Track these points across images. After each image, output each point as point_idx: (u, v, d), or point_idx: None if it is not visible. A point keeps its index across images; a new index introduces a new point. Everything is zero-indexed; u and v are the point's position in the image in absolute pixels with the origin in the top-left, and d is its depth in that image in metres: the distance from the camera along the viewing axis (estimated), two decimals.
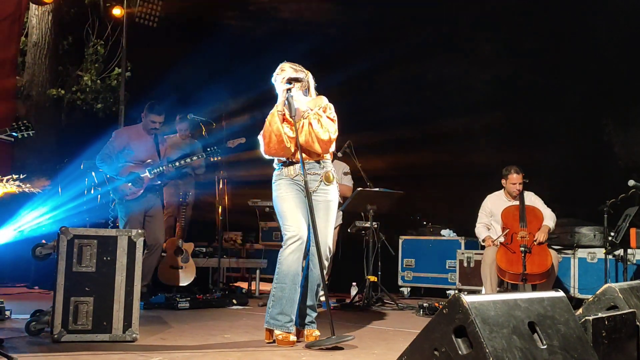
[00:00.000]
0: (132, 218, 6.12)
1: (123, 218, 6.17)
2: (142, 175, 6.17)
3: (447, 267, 7.90)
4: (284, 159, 4.14)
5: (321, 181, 4.15)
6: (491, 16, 8.43)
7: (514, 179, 6.25)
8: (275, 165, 4.24)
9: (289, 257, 3.99)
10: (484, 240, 6.34)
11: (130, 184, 6.14)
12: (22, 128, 4.18)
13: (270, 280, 8.63)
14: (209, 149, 6.44)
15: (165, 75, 9.82)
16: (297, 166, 4.08)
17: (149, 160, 6.23)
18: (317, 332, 4.11)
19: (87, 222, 7.27)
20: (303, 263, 4.13)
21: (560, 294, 2.66)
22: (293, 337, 3.98)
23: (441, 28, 8.62)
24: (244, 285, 8.07)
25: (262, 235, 9.16)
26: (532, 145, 8.03)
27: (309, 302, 4.16)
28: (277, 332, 3.98)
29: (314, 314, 4.17)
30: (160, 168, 6.21)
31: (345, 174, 6.82)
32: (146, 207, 6.26)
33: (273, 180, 4.21)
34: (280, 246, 4.08)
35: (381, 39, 8.70)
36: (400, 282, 8.22)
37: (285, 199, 4.10)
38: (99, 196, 7.20)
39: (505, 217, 6.07)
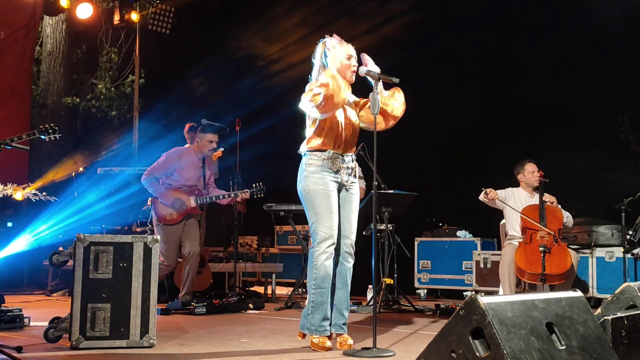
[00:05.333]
0: (171, 241, 6.15)
1: (163, 242, 6.04)
2: (185, 203, 6.18)
3: (463, 268, 7.87)
4: (325, 149, 3.96)
5: (353, 175, 4.10)
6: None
7: (533, 167, 6.18)
8: (309, 153, 3.99)
9: (326, 262, 3.91)
10: (485, 192, 6.02)
11: (172, 210, 6.16)
12: (50, 131, 4.30)
13: (286, 285, 8.65)
14: (254, 186, 6.38)
15: (178, 81, 9.89)
16: (340, 160, 3.99)
17: (192, 185, 6.26)
18: (351, 341, 3.96)
19: (104, 228, 7.31)
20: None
21: (578, 293, 2.64)
22: (329, 343, 3.91)
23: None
24: (260, 289, 8.07)
25: (278, 240, 9.19)
26: (548, 143, 7.97)
27: (345, 302, 4.04)
28: (314, 335, 3.90)
29: (347, 315, 4.06)
30: (205, 199, 6.25)
31: (360, 177, 6.83)
32: (184, 226, 6.27)
33: (310, 170, 3.95)
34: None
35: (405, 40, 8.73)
36: (416, 284, 8.19)
37: (326, 195, 3.92)
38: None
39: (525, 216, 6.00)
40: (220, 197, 6.34)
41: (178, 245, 6.24)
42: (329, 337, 3.99)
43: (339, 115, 4.00)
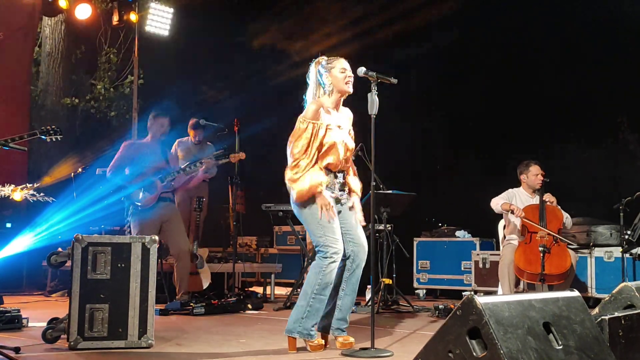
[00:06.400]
0: (145, 227, 6.08)
1: (136, 227, 6.15)
2: (154, 180, 6.18)
3: (462, 268, 7.87)
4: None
5: (347, 190, 4.15)
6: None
7: (537, 170, 6.15)
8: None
9: (333, 272, 3.94)
10: (504, 206, 5.97)
11: (142, 191, 6.15)
12: (52, 132, 4.32)
13: (286, 285, 8.64)
14: (216, 152, 6.47)
15: (177, 81, 9.88)
16: (332, 176, 4.05)
17: (158, 169, 6.25)
18: (352, 339, 4.03)
19: (103, 229, 7.30)
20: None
21: (575, 293, 2.64)
22: (322, 340, 3.97)
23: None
24: (259, 289, 8.07)
25: (277, 240, 9.18)
26: (547, 144, 7.98)
27: (350, 307, 4.11)
28: (307, 339, 3.92)
29: (348, 321, 4.12)
30: (171, 176, 6.22)
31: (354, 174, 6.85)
32: (161, 216, 6.24)
33: None
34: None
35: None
36: (415, 284, 8.19)
37: (329, 210, 3.99)
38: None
39: (525, 215, 5.97)
40: (187, 168, 6.29)
41: (155, 231, 6.15)
42: (326, 339, 4.05)
43: (335, 136, 4.00)
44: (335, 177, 4.09)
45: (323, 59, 4.11)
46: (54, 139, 4.43)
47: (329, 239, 3.95)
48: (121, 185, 6.24)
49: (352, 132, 4.21)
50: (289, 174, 3.95)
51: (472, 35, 8.56)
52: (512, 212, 5.90)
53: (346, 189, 4.16)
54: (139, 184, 6.16)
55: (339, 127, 4.07)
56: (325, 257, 3.94)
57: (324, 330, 4.09)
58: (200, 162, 6.35)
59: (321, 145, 3.96)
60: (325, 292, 3.94)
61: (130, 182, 6.19)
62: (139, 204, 6.16)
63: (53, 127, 4.46)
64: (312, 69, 4.12)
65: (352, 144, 4.18)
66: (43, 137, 4.36)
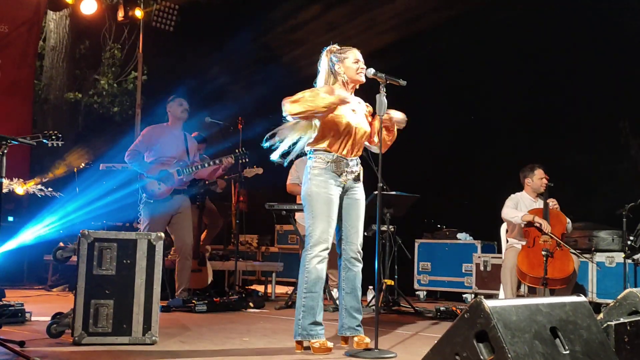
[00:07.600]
0: (155, 220, 6.01)
1: (146, 220, 6.06)
2: (171, 172, 6.10)
3: (463, 270, 7.88)
4: (329, 151, 3.94)
5: (355, 179, 4.06)
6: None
7: (541, 173, 6.13)
8: (314, 154, 3.98)
9: (318, 266, 3.88)
10: (526, 218, 5.87)
11: (158, 183, 6.10)
12: (54, 137, 4.34)
13: (287, 284, 8.66)
14: (237, 151, 6.38)
15: (181, 78, 9.88)
16: (344, 163, 3.97)
17: (177, 160, 6.16)
18: (368, 340, 3.95)
19: (105, 224, 7.30)
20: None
21: (582, 298, 2.66)
22: (330, 344, 3.87)
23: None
24: (260, 288, 8.08)
25: (278, 238, 9.20)
26: (549, 148, 7.99)
27: (354, 305, 4.04)
28: (313, 340, 3.85)
29: (360, 317, 4.05)
30: (190, 169, 6.17)
31: None
32: (174, 209, 6.16)
33: (313, 173, 3.94)
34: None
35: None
36: (416, 286, 8.20)
37: (327, 200, 3.90)
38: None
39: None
40: (206, 164, 6.24)
41: (164, 224, 6.13)
42: (345, 340, 4.05)
43: (348, 116, 3.98)
44: (347, 164, 3.99)
45: (335, 48, 4.09)
46: (55, 144, 4.44)
47: (316, 230, 3.87)
48: (139, 173, 6.14)
49: (369, 118, 4.17)
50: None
51: (473, 38, 8.56)
52: (540, 226, 5.82)
53: (359, 177, 4.08)
54: (156, 175, 6.07)
55: (353, 110, 4.05)
56: (307, 250, 3.90)
57: (340, 331, 4.07)
58: (220, 160, 6.31)
59: (330, 118, 3.92)
60: (316, 288, 3.88)
61: (148, 171, 6.09)
62: (156, 196, 6.06)
63: (55, 132, 4.48)
64: (324, 58, 4.09)
65: (366, 128, 4.10)
66: (45, 140, 4.37)
